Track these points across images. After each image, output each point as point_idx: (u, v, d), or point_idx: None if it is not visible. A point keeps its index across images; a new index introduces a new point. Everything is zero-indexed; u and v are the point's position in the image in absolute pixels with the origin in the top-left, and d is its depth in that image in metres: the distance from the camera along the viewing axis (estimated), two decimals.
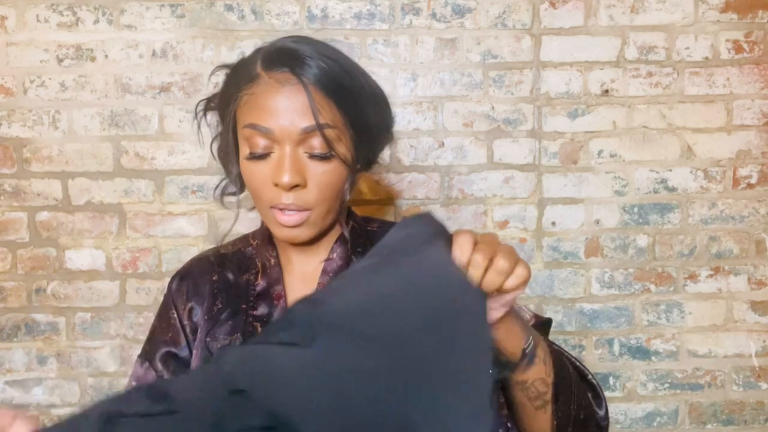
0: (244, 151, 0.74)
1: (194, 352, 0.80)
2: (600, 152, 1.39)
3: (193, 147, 1.36)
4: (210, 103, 0.82)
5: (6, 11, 1.33)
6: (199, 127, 0.80)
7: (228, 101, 0.75)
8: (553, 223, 1.40)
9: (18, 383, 1.39)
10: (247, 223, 1.36)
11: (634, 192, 1.40)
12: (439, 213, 1.39)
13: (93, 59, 1.35)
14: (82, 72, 1.35)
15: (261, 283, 0.81)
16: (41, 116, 1.35)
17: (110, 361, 1.39)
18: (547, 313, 1.41)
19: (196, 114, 0.82)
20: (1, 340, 1.39)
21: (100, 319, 1.39)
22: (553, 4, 1.36)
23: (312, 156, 0.72)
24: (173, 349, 0.81)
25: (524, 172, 1.39)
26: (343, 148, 0.73)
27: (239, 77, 0.74)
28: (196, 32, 1.35)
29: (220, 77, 0.79)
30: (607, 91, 1.38)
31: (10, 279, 1.38)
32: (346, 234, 0.82)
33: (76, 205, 1.37)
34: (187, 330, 0.81)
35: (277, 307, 0.79)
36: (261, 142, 0.71)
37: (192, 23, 1.35)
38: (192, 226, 1.38)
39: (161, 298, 1.36)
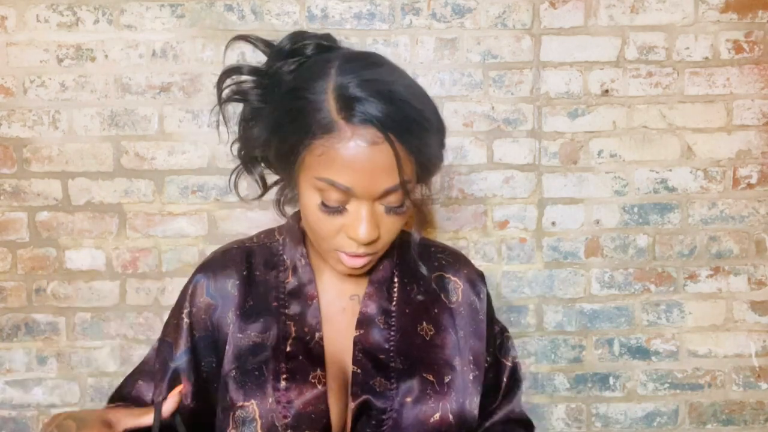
0: (314, 198, 0.70)
1: (227, 347, 0.78)
2: (600, 152, 1.39)
3: (193, 147, 1.36)
4: (233, 75, 0.76)
5: (6, 11, 1.33)
6: (223, 117, 0.77)
7: (294, 144, 0.69)
8: (553, 223, 1.40)
9: (18, 383, 1.39)
10: (246, 223, 1.36)
11: (634, 192, 1.40)
12: (439, 213, 1.39)
13: (93, 59, 1.35)
14: (82, 72, 1.35)
15: (292, 281, 0.80)
16: (41, 116, 1.35)
17: (110, 361, 1.39)
18: (547, 314, 1.41)
19: (219, 90, 0.76)
20: (1, 340, 1.39)
21: (100, 319, 1.39)
22: (553, 4, 1.36)
23: (389, 210, 0.71)
24: (171, 364, 0.80)
25: (524, 172, 1.39)
26: (414, 194, 0.72)
27: (309, 117, 0.67)
28: (196, 32, 1.35)
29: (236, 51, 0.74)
30: (607, 91, 1.38)
31: (10, 279, 1.38)
32: (393, 249, 0.82)
33: (76, 205, 1.37)
34: (197, 328, 0.80)
35: (310, 306, 0.79)
36: (336, 198, 0.68)
37: (192, 23, 1.35)
38: (192, 226, 1.38)
39: (161, 298, 1.38)
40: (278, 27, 1.34)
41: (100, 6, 1.34)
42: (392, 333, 0.79)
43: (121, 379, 1.42)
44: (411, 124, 0.67)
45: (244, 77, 0.76)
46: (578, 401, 1.42)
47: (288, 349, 0.76)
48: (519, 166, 1.39)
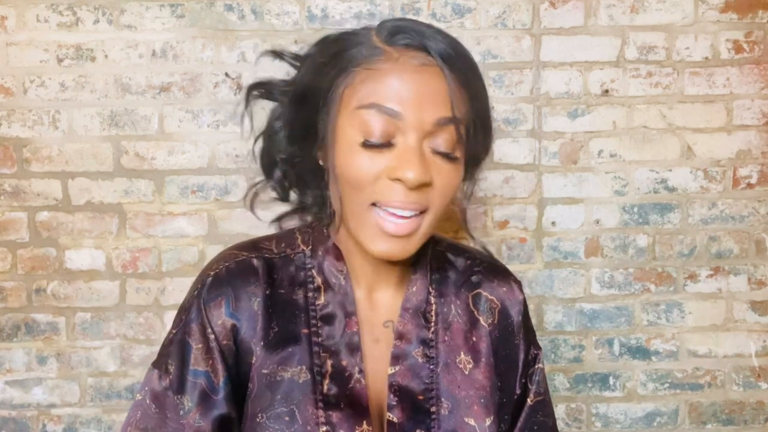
0: (354, 137, 0.60)
1: (250, 385, 0.66)
2: (600, 152, 1.39)
3: (193, 147, 1.36)
4: (262, 89, 0.70)
5: (6, 11, 1.33)
6: (243, 116, 0.71)
7: (330, 78, 0.62)
8: (553, 223, 1.40)
9: (18, 383, 1.39)
10: (246, 223, 1.36)
11: (634, 192, 1.40)
12: None
13: (93, 59, 1.35)
14: (82, 72, 1.35)
15: (324, 303, 0.68)
16: (41, 116, 1.35)
17: (110, 361, 1.39)
18: (547, 314, 1.41)
19: (246, 100, 0.70)
20: (1, 340, 1.39)
21: (100, 319, 1.39)
22: (553, 4, 1.36)
23: (436, 152, 0.61)
24: (219, 411, 0.65)
25: (524, 172, 1.39)
26: (462, 151, 0.64)
27: (350, 50, 0.61)
28: (196, 32, 1.35)
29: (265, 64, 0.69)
30: (607, 91, 1.38)
31: (10, 279, 1.38)
32: (427, 261, 0.72)
33: (76, 205, 1.37)
34: (225, 354, 0.66)
35: (348, 335, 0.67)
36: (381, 128, 0.59)
37: (192, 23, 1.35)
38: (192, 226, 1.38)
39: (161, 298, 1.37)
40: (278, 27, 1.34)
41: (100, 6, 1.34)
42: (432, 367, 0.68)
43: (120, 380, 1.43)
44: (462, 59, 0.61)
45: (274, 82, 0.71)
46: (578, 401, 1.42)
47: (325, 389, 0.65)
48: (519, 166, 1.39)
